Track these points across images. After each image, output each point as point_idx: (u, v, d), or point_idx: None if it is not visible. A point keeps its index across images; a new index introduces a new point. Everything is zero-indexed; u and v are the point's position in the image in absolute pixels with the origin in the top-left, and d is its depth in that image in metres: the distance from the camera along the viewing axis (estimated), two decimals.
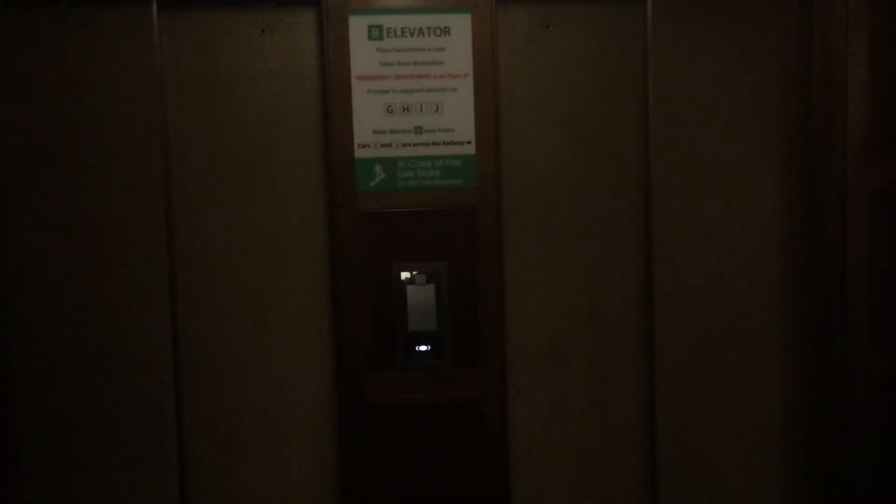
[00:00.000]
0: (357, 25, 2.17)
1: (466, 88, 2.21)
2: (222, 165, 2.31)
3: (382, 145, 2.21)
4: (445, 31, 2.19)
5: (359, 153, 2.20)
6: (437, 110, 2.21)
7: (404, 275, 2.23)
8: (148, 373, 2.30)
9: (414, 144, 2.22)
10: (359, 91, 2.19)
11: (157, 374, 2.29)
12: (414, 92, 2.21)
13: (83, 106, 2.25)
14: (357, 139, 2.20)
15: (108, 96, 2.25)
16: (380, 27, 2.18)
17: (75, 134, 2.25)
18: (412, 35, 2.19)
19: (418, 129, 2.22)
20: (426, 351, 2.25)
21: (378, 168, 2.21)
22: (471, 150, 2.22)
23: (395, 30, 2.19)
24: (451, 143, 2.22)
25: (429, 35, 2.19)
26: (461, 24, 2.19)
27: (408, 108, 2.21)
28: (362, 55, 2.19)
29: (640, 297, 2.41)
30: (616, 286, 2.41)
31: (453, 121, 2.22)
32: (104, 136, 2.26)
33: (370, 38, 2.19)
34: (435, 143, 2.22)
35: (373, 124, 2.20)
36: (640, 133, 2.37)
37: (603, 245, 2.40)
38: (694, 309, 2.41)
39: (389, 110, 2.21)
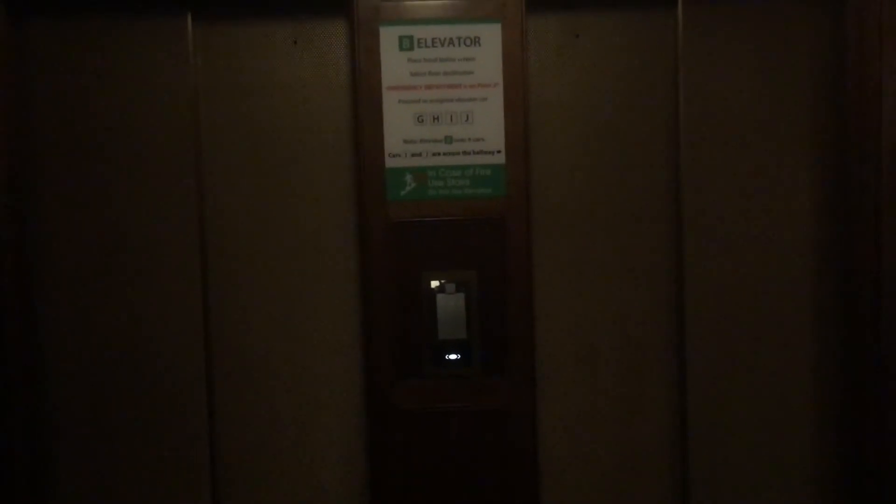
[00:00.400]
0: (388, 36, 2.18)
1: (496, 98, 2.21)
2: (254, 174, 2.33)
3: (413, 155, 2.21)
4: (475, 41, 2.19)
5: (389, 162, 2.21)
6: (467, 120, 2.21)
7: (434, 283, 2.23)
8: (179, 378, 2.32)
9: (444, 154, 2.22)
10: (389, 101, 2.20)
11: (189, 381, 2.32)
12: (444, 101, 2.21)
13: (118, 116, 2.29)
14: (388, 149, 2.21)
15: (143, 106, 2.29)
16: (410, 37, 2.19)
17: (110, 143, 2.29)
18: (442, 45, 2.20)
19: (448, 139, 2.22)
20: (456, 360, 2.24)
21: (408, 177, 2.21)
22: (501, 159, 2.22)
23: (425, 40, 2.19)
24: (481, 152, 2.22)
25: (459, 45, 2.20)
26: (491, 34, 2.19)
27: (438, 118, 2.21)
28: (393, 65, 2.20)
29: (671, 307, 2.39)
30: (647, 295, 2.39)
31: (483, 130, 2.22)
32: (138, 145, 2.30)
33: (401, 48, 2.19)
34: (465, 153, 2.22)
35: (403, 134, 2.21)
36: (672, 140, 2.35)
37: (633, 254, 2.38)
38: (726, 318, 2.39)
39: (420, 120, 2.21)
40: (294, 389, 2.36)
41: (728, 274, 2.38)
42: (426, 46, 2.20)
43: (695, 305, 2.37)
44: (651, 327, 2.39)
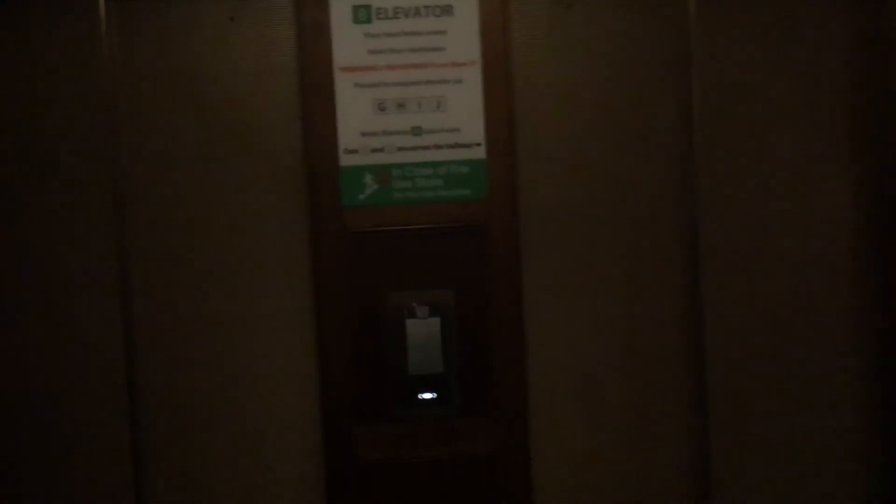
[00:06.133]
0: (340, 6, 2.02)
1: (474, 79, 2.05)
2: (185, 178, 2.13)
3: (373, 150, 2.05)
4: (447, 10, 2.04)
5: (344, 160, 2.04)
6: (438, 107, 2.05)
7: (403, 306, 2.05)
8: (100, 423, 2.11)
9: (411, 148, 2.06)
10: (343, 85, 2.03)
11: (111, 427, 2.11)
12: (410, 85, 2.05)
13: (19, 108, 2.09)
14: (342, 143, 2.04)
15: (49, 98, 2.09)
16: (367, 7, 2.03)
17: (12, 139, 2.09)
18: (407, 16, 2.04)
19: (416, 130, 2.06)
20: (430, 399, 2.07)
21: (368, 178, 2.04)
22: (480, 153, 2.06)
23: (385, 10, 2.03)
24: (457, 145, 2.06)
25: (427, 16, 2.04)
26: (465, 3, 2.04)
27: (403, 105, 2.05)
28: (347, 42, 2.02)
29: (687, 327, 2.19)
30: (658, 314, 2.20)
31: (458, 119, 2.06)
32: (43, 143, 2.10)
33: (356, 20, 2.02)
34: (437, 147, 2.06)
35: (361, 125, 2.04)
36: (683, 129, 2.17)
37: (641, 265, 2.19)
38: (752, 340, 2.20)
39: (381, 108, 2.04)
40: (238, 438, 2.15)
41: (754, 283, 2.20)
42: (386, 18, 2.04)
43: (715, 325, 2.17)
44: (664, 352, 2.20)
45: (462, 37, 2.03)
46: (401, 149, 2.05)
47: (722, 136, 2.18)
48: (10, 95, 2.08)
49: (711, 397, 2.18)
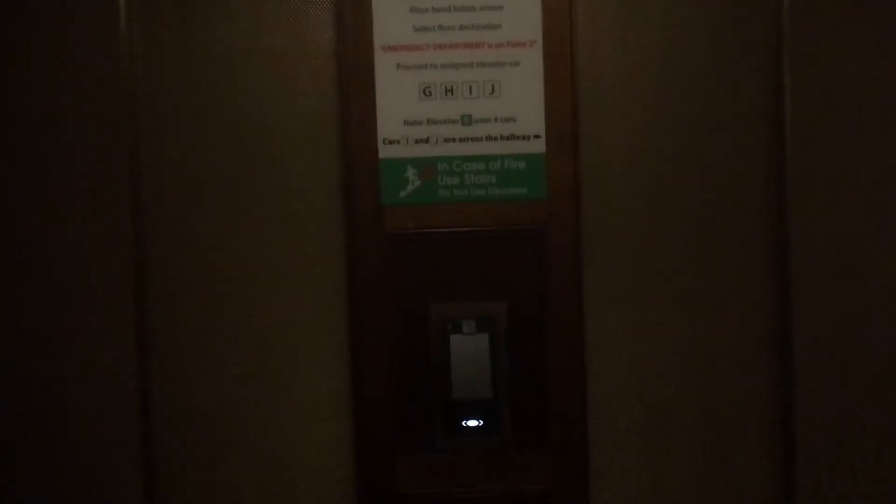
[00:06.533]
0: None
1: (533, 62, 1.86)
2: (208, 173, 2.00)
3: (417, 141, 1.88)
4: None
5: (384, 152, 1.87)
6: (492, 92, 1.87)
7: (447, 320, 1.88)
8: (110, 447, 1.98)
9: (460, 139, 1.88)
10: (385, 66, 1.85)
11: (120, 448, 1.98)
12: (461, 67, 1.87)
13: (28, 98, 1.97)
14: (382, 132, 1.86)
15: (57, 84, 1.97)
16: None
17: (22, 134, 1.98)
18: None
19: (466, 119, 1.88)
20: (477, 427, 1.89)
21: (411, 172, 1.88)
22: (539, 146, 1.88)
23: None
24: (512, 137, 1.88)
25: None
26: None
27: (452, 90, 1.87)
28: (389, 17, 1.85)
29: (772, 349, 2.01)
30: (739, 333, 2.02)
31: (515, 107, 1.87)
32: (49, 136, 1.98)
33: None
34: (490, 138, 1.88)
35: (404, 112, 1.87)
36: (773, 126, 1.99)
37: (720, 277, 2.01)
38: (848, 365, 2.00)
39: (427, 93, 1.87)
40: (262, 465, 2.02)
41: (849, 302, 2.01)
42: None
43: (805, 348, 1.99)
44: (745, 376, 2.03)
45: (521, 12, 1.84)
46: (448, 140, 1.88)
47: (817, 134, 1.99)
48: (22, 86, 1.97)
49: (799, 430, 1.99)
